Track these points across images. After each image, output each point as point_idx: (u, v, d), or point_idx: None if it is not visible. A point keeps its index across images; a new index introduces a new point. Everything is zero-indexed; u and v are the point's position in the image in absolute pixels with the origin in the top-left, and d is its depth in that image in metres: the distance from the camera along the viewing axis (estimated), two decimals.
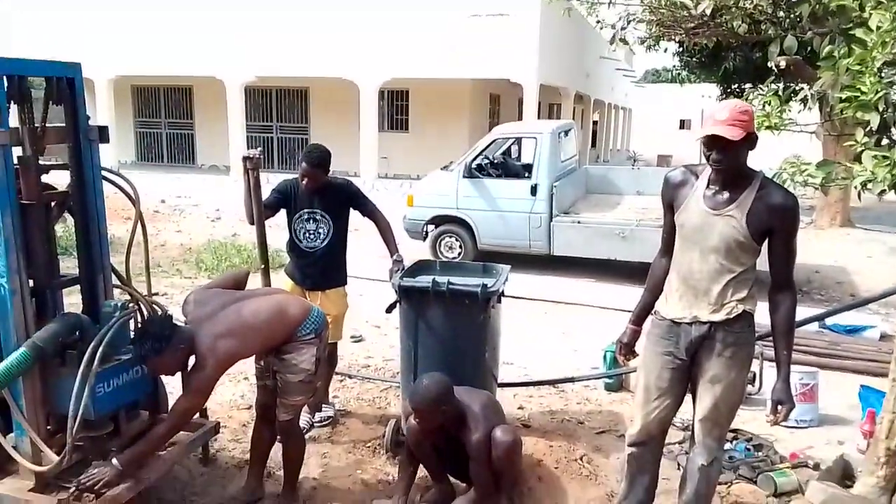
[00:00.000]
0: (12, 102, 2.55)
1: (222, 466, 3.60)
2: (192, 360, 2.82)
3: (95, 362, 2.56)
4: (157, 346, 2.69)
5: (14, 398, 2.60)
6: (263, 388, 3.24)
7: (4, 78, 2.51)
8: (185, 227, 11.10)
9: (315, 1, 14.47)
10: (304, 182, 3.84)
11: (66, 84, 2.71)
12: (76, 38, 14.52)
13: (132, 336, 2.88)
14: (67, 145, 2.77)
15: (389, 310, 3.67)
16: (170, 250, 9.18)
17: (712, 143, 2.48)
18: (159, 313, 3.08)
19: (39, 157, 2.71)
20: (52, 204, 2.89)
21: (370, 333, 5.86)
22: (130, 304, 2.97)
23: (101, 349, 2.59)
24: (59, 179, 2.93)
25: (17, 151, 2.62)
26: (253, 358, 3.24)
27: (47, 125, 2.73)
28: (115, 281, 3.07)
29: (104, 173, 2.89)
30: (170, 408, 3.03)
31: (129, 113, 18.83)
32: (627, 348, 2.98)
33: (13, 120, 2.57)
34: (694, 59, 14.01)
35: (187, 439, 3.19)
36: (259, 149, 4.00)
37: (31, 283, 2.67)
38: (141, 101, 19.01)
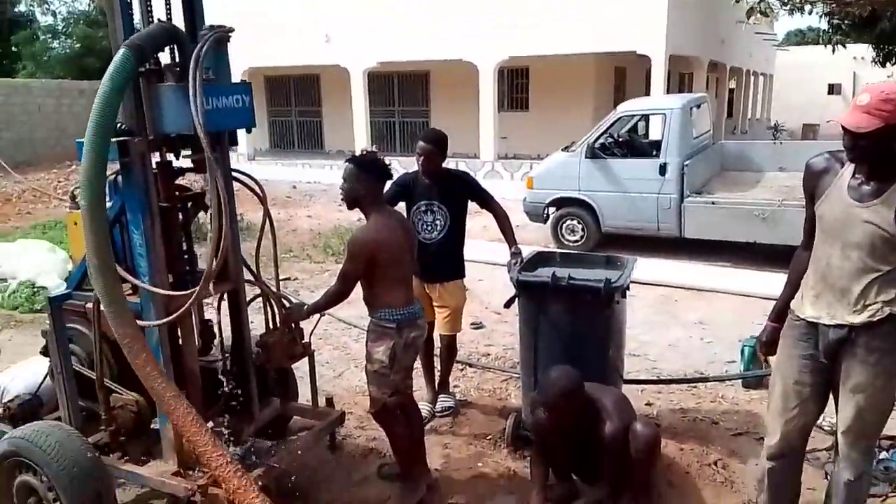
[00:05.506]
0: None
1: (348, 453, 3.71)
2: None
3: (199, 71, 2.41)
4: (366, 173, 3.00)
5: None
6: None
7: None
8: (314, 212, 11.61)
9: None
10: (420, 161, 3.84)
11: None
12: None
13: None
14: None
15: (508, 304, 3.60)
16: (301, 235, 9.62)
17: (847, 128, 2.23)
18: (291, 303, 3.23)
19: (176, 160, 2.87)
20: (189, 204, 3.06)
21: (490, 320, 5.81)
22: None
23: (202, 58, 2.45)
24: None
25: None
26: None
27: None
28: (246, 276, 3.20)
29: (234, 174, 3.01)
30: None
31: (263, 102, 19.83)
32: (769, 347, 2.74)
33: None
34: (845, 21, 12.63)
35: (316, 428, 3.32)
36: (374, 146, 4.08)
37: (170, 278, 2.84)
38: (273, 90, 19.98)
